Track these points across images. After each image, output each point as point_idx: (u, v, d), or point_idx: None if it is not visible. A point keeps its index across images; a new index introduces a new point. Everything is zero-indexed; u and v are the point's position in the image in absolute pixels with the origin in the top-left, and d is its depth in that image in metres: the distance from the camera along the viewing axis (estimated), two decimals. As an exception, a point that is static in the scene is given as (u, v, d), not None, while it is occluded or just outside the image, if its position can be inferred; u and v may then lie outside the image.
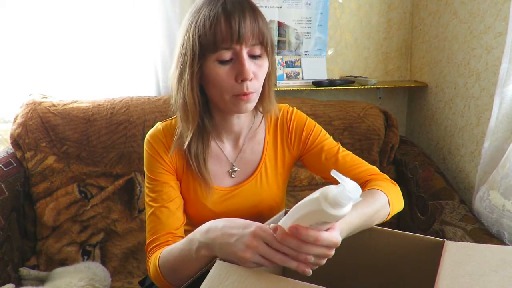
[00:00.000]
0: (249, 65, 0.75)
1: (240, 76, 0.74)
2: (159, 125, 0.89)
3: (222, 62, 0.75)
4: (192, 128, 0.81)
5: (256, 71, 0.77)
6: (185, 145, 0.83)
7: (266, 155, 0.92)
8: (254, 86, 0.77)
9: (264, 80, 0.81)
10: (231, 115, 0.85)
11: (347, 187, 0.49)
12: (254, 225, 0.61)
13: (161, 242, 0.80)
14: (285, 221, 0.58)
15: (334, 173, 0.50)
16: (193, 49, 0.75)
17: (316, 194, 0.52)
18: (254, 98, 0.79)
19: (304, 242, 0.56)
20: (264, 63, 0.79)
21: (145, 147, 0.88)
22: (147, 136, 0.88)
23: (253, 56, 0.76)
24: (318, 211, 0.51)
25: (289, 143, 0.93)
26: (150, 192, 0.85)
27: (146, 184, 0.87)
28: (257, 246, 0.58)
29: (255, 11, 0.76)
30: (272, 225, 0.60)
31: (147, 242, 0.83)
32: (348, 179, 0.50)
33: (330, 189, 0.50)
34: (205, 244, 0.66)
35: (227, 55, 0.74)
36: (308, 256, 0.57)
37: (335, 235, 0.58)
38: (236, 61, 0.75)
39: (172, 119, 0.89)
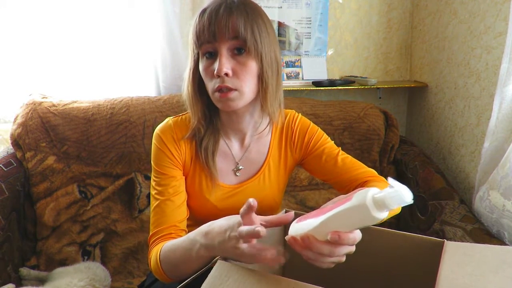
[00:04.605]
0: (227, 61, 0.77)
1: (215, 70, 0.77)
2: (169, 120, 0.91)
3: (208, 57, 0.80)
4: (197, 116, 0.86)
5: (237, 68, 0.78)
6: (201, 143, 0.88)
7: (271, 157, 0.94)
8: (234, 83, 0.78)
9: (258, 83, 0.82)
10: (230, 113, 0.87)
11: (401, 191, 0.48)
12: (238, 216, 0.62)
13: (164, 234, 0.82)
14: (318, 229, 0.56)
15: (390, 181, 0.50)
16: (192, 45, 0.83)
17: (358, 200, 0.51)
18: (236, 97, 0.79)
19: (340, 245, 0.56)
20: (248, 62, 0.79)
21: (153, 140, 0.89)
22: (156, 130, 0.90)
23: (236, 53, 0.79)
24: (363, 218, 0.51)
25: (293, 147, 0.95)
26: (156, 186, 0.86)
27: (152, 177, 0.88)
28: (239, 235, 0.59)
29: (231, 9, 0.77)
30: (298, 235, 0.59)
31: (150, 234, 0.84)
32: (399, 183, 0.49)
33: (377, 193, 0.49)
34: (206, 245, 0.67)
35: (209, 50, 0.79)
36: (341, 257, 0.58)
37: (359, 231, 0.58)
38: (216, 56, 0.79)
39: (182, 115, 0.92)
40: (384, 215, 0.51)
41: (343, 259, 0.59)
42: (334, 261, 0.59)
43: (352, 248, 0.59)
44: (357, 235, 0.57)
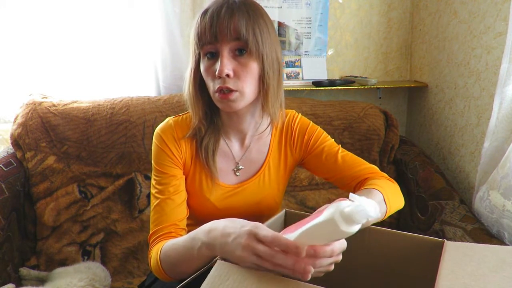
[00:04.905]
0: (228, 62, 0.77)
1: (217, 71, 0.77)
2: (170, 119, 0.91)
3: (209, 58, 0.80)
4: (197, 116, 0.86)
5: (238, 69, 0.78)
6: (202, 142, 0.88)
7: (271, 157, 0.94)
8: (235, 84, 0.78)
9: (259, 84, 0.82)
10: (230, 113, 0.87)
11: (365, 206, 0.49)
12: (250, 224, 0.62)
13: (164, 233, 0.82)
14: (297, 240, 0.57)
15: (352, 196, 0.51)
16: (193, 45, 0.83)
17: (327, 215, 0.51)
18: (237, 98, 0.80)
19: (319, 258, 0.56)
20: (249, 63, 0.79)
21: (154, 140, 0.89)
22: (157, 130, 0.90)
23: (237, 54, 0.79)
24: (334, 232, 0.51)
25: (292, 147, 0.95)
26: (157, 185, 0.86)
27: (153, 176, 0.88)
28: (250, 244, 0.58)
29: (233, 10, 0.77)
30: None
31: (150, 232, 0.84)
32: (363, 198, 0.50)
33: (345, 207, 0.50)
34: (207, 244, 0.66)
35: (210, 51, 0.79)
36: (327, 267, 0.58)
37: (342, 240, 0.59)
38: (217, 57, 0.79)
39: (183, 114, 0.92)
40: (355, 228, 0.51)
41: (331, 268, 0.59)
42: (321, 271, 0.58)
43: (338, 258, 0.59)
44: (336, 246, 0.56)
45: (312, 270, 0.55)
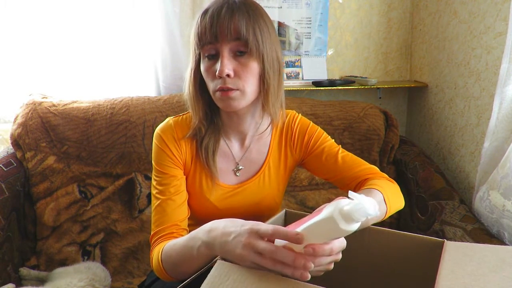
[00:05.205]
0: (228, 62, 0.78)
1: (217, 71, 0.77)
2: (170, 120, 0.91)
3: (209, 58, 0.80)
4: (198, 116, 0.87)
5: (238, 69, 0.79)
6: (202, 142, 0.88)
7: (271, 157, 0.94)
8: (236, 83, 0.79)
9: (260, 84, 0.82)
10: (231, 114, 0.87)
11: (364, 204, 0.49)
12: (250, 223, 0.62)
13: (166, 233, 0.82)
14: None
15: (351, 194, 0.51)
16: (193, 45, 0.83)
17: (327, 213, 0.52)
18: (238, 96, 0.80)
19: (318, 256, 0.56)
20: (249, 62, 0.79)
21: (154, 140, 0.89)
22: (157, 130, 0.90)
23: (238, 54, 0.79)
24: (333, 230, 0.51)
25: (292, 147, 0.96)
26: (157, 185, 0.87)
27: (153, 177, 0.88)
28: (251, 242, 0.58)
29: (233, 10, 0.77)
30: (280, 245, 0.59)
31: (152, 233, 0.84)
32: (363, 196, 0.50)
33: (344, 205, 0.50)
34: (206, 243, 0.67)
35: (211, 51, 0.79)
36: (327, 265, 0.59)
37: (341, 239, 0.59)
38: (218, 57, 0.79)
39: (183, 114, 0.92)
40: (354, 227, 0.51)
41: (331, 267, 0.60)
42: (320, 270, 0.59)
43: (337, 257, 0.59)
44: (335, 245, 0.57)
45: (312, 266, 0.55)
